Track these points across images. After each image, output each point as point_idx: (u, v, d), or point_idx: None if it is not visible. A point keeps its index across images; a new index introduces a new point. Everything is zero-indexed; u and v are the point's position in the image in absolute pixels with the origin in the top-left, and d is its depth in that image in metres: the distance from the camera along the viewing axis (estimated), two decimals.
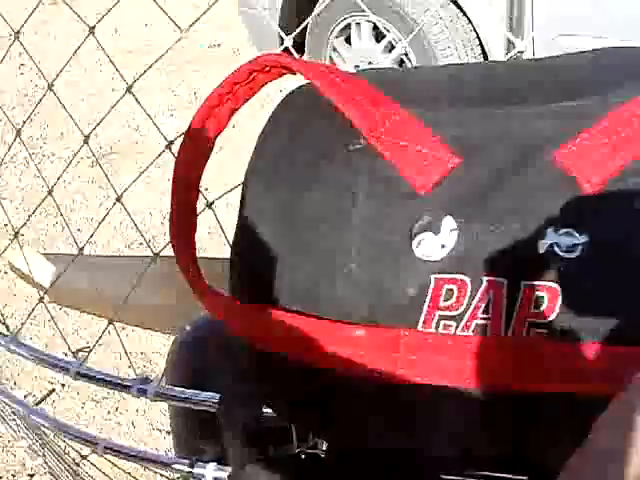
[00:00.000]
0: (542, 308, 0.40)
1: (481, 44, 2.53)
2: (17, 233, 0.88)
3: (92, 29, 0.76)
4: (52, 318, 1.03)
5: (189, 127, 0.52)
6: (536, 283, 0.40)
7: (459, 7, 2.52)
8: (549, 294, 0.40)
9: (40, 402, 1.96)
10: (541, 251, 0.40)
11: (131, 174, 2.86)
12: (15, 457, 1.86)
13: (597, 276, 0.39)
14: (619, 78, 0.43)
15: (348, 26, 2.82)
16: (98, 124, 0.78)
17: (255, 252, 0.46)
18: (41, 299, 0.93)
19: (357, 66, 2.82)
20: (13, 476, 1.82)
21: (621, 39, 2.24)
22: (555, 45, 2.34)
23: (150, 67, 0.82)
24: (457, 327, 0.41)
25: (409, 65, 2.65)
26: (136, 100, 0.80)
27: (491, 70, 0.48)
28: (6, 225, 2.65)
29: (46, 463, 1.18)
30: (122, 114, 3.23)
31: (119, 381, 0.70)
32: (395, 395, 0.43)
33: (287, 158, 0.47)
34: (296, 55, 0.80)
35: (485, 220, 0.41)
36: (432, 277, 0.41)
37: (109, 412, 1.96)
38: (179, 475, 0.70)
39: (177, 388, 0.64)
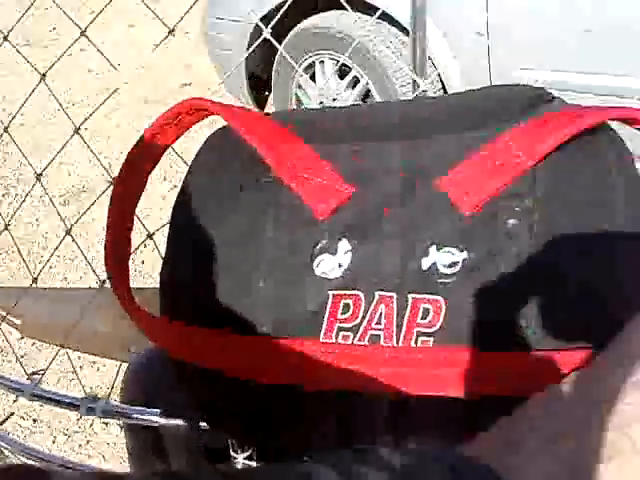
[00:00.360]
0: (428, 319, 0.45)
1: (441, 79, 2.61)
2: None
3: (43, 75, 0.81)
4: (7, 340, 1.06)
5: (124, 163, 0.57)
6: (421, 296, 0.45)
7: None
8: (433, 306, 0.45)
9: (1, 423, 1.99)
10: (424, 268, 0.45)
11: (102, 212, 2.90)
12: None
13: (474, 289, 0.45)
14: (499, 113, 0.49)
15: (312, 64, 2.90)
16: (49, 163, 0.83)
17: (179, 274, 0.52)
18: None
19: (321, 102, 2.89)
20: None
21: (577, 71, 2.33)
22: (513, 80, 2.42)
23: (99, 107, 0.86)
24: (354, 337, 0.46)
25: (375, 100, 2.72)
26: (85, 146, 0.85)
27: (390, 108, 0.54)
28: None
29: None
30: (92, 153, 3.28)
31: (69, 400, 0.74)
32: (302, 402, 0.48)
33: (208, 191, 0.53)
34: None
35: (375, 241, 0.47)
36: (330, 293, 0.47)
37: (80, 445, 1.98)
38: None
39: (123, 405, 0.69)
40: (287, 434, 0.52)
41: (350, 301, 0.46)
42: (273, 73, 3.04)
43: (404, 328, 0.46)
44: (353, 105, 0.55)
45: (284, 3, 2.66)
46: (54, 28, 5.05)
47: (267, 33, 1.06)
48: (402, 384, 0.45)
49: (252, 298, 0.48)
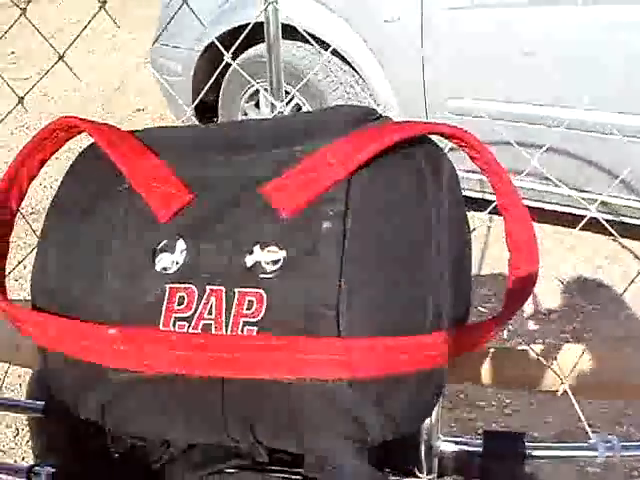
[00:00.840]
0: (252, 310, 0.51)
1: (378, 106, 2.70)
2: None
3: (21, 99, 0.87)
4: None
5: (4, 176, 0.63)
6: (246, 290, 0.52)
7: (358, 73, 2.70)
8: (256, 298, 0.51)
9: None
10: (249, 264, 0.52)
11: None
12: None
13: (290, 283, 0.51)
14: (325, 129, 0.56)
15: (257, 91, 2.98)
16: None
17: (42, 272, 0.58)
18: None
19: None
20: None
21: (505, 100, 2.43)
22: (444, 107, 2.52)
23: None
24: (189, 326, 0.52)
25: None
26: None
27: (241, 125, 0.61)
28: None
29: None
30: (46, 175, 3.33)
31: None
32: (147, 384, 0.54)
33: (73, 198, 0.59)
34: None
35: (207, 242, 0.53)
36: (167, 286, 0.53)
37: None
38: None
39: (6, 396, 0.74)
40: (140, 422, 0.58)
41: (185, 294, 0.53)
42: (220, 99, 3.11)
43: (232, 318, 0.51)
44: (208, 125, 0.62)
45: (230, 32, 2.75)
46: (12, 52, 5.10)
47: (228, 57, 1.12)
48: (230, 369, 0.51)
49: (101, 292, 0.54)
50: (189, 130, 0.61)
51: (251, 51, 2.87)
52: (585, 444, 0.64)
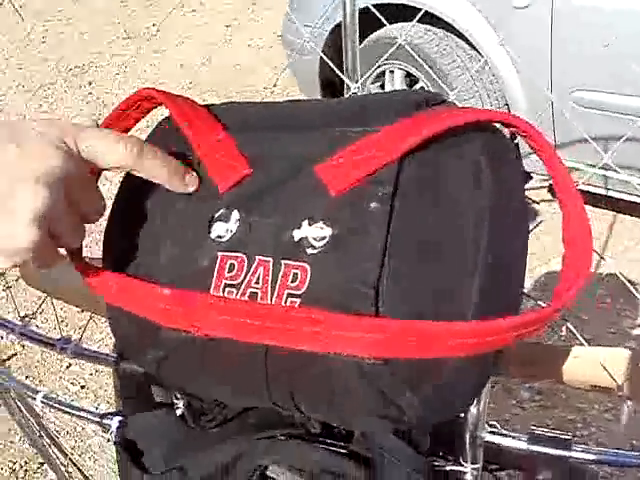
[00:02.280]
0: (296, 282, 0.53)
1: (504, 95, 2.66)
2: None
3: None
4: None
5: None
6: (292, 263, 0.53)
7: (485, 60, 2.66)
8: (301, 272, 0.53)
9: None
10: (296, 239, 0.54)
11: None
12: (30, 446, 2.03)
13: (335, 259, 0.53)
14: (383, 113, 0.57)
15: (383, 73, 2.98)
16: None
17: (111, 233, 0.62)
18: None
19: None
20: (26, 463, 2.00)
21: (636, 94, 2.34)
22: (570, 98, 2.45)
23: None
24: (237, 293, 0.55)
25: None
26: None
27: (303, 105, 0.63)
28: None
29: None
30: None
31: (47, 340, 0.85)
32: (196, 346, 0.57)
33: None
34: None
35: (259, 214, 0.55)
36: (219, 254, 0.55)
37: None
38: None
39: (90, 347, 0.80)
40: (191, 381, 0.61)
41: (235, 262, 0.55)
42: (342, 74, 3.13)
43: (277, 289, 0.54)
44: (278, 102, 0.64)
45: (361, 11, 2.76)
46: (154, 24, 5.29)
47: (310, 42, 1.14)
48: (272, 337, 0.53)
49: (160, 255, 0.58)
50: (257, 107, 0.63)
51: (383, 31, 2.86)
52: (629, 453, 0.63)
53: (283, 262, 0.54)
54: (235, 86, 4.25)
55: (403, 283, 0.51)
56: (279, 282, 0.54)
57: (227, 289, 0.55)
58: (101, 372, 2.27)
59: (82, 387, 2.21)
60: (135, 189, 0.62)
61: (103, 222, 0.63)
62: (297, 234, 0.54)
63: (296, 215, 0.54)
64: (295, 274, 0.53)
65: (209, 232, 0.57)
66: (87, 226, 0.58)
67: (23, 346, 2.33)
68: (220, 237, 0.56)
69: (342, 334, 0.51)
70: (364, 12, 1.56)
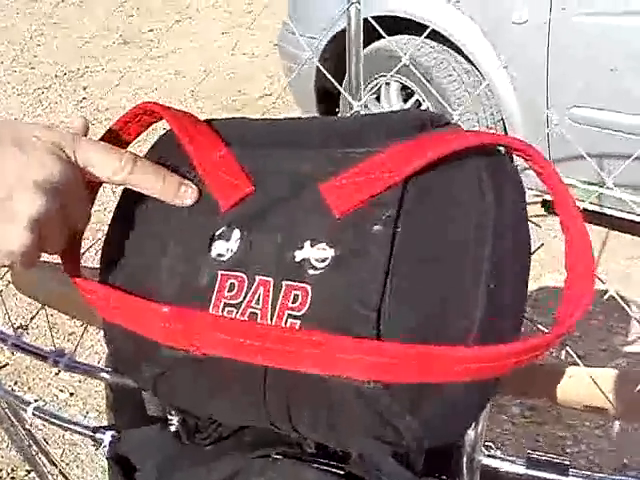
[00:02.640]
0: (297, 303, 0.53)
1: (499, 109, 2.66)
2: None
3: None
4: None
5: None
6: (293, 283, 0.53)
7: (481, 74, 2.67)
8: (302, 293, 0.53)
9: None
10: (298, 259, 0.53)
11: None
12: (17, 453, 2.02)
13: (336, 281, 0.52)
14: (387, 133, 0.56)
15: (380, 85, 2.99)
16: None
17: (110, 247, 0.61)
18: None
19: None
20: (13, 470, 1.99)
21: (633, 112, 2.34)
22: (567, 115, 2.46)
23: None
24: (237, 313, 0.54)
25: None
26: None
27: (307, 122, 0.62)
28: None
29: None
30: None
31: (41, 352, 0.84)
32: (194, 364, 0.56)
33: None
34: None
35: (261, 234, 0.55)
36: (219, 273, 0.55)
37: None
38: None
39: (83, 361, 0.79)
40: (188, 398, 0.60)
41: (235, 281, 0.55)
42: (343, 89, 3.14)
43: (277, 309, 0.53)
44: (279, 119, 0.64)
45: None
46: (150, 30, 5.29)
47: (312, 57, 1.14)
48: (270, 358, 0.53)
49: (160, 272, 0.57)
50: (258, 123, 0.63)
51: (381, 42, 2.87)
52: (625, 477, 0.63)
53: (284, 283, 0.53)
54: (230, 94, 4.25)
55: (405, 304, 0.51)
56: (279, 302, 0.53)
57: (227, 308, 0.55)
58: (90, 380, 2.26)
59: (71, 394, 2.20)
60: (136, 202, 0.61)
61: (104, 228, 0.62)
62: (299, 254, 0.53)
63: (298, 235, 0.54)
64: (296, 295, 0.53)
65: (209, 250, 0.56)
66: (86, 236, 0.58)
67: (13, 353, 2.32)
68: (220, 256, 0.56)
69: (342, 357, 0.50)
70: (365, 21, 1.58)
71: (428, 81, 2.73)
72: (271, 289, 0.54)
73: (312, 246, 0.53)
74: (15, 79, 4.77)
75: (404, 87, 2.94)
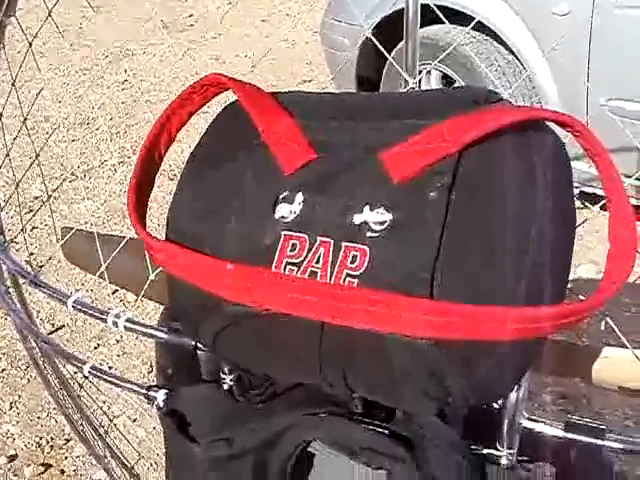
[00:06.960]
0: (355, 263, 0.56)
1: (540, 100, 2.67)
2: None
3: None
4: None
5: (155, 123, 0.70)
6: (352, 245, 0.56)
7: (522, 64, 2.67)
8: (361, 254, 0.56)
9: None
10: (357, 222, 0.56)
11: None
12: (57, 422, 2.08)
13: (393, 243, 0.55)
14: (446, 107, 0.59)
15: (419, 71, 2.99)
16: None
17: (177, 211, 0.65)
18: None
19: None
20: (52, 439, 2.05)
21: None
22: (605, 106, 2.46)
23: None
24: (298, 271, 0.57)
25: None
26: None
27: (371, 96, 0.65)
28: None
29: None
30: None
31: (100, 314, 0.88)
32: (254, 319, 0.59)
33: (211, 148, 0.66)
34: None
35: (323, 197, 0.58)
36: (282, 233, 0.58)
37: None
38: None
39: (141, 321, 0.82)
40: (246, 354, 0.64)
41: (297, 242, 0.58)
42: (383, 77, 3.16)
43: (336, 269, 0.56)
44: (339, 93, 0.67)
45: (396, 12, 2.78)
46: (191, 15, 5.33)
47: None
48: (329, 314, 0.56)
49: (226, 232, 0.61)
50: (323, 96, 0.66)
51: (422, 31, 2.87)
52: None
53: (343, 244, 0.56)
54: (271, 80, 4.28)
55: (457, 269, 0.54)
56: (339, 262, 0.56)
57: (288, 267, 0.58)
58: (129, 354, 2.31)
59: (109, 368, 2.25)
60: (201, 168, 0.65)
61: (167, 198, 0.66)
62: (358, 218, 0.56)
63: (358, 200, 0.57)
64: (354, 255, 0.56)
65: (274, 212, 0.59)
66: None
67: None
68: (284, 217, 0.59)
69: (399, 314, 0.53)
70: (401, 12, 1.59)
71: (469, 70, 2.74)
72: (331, 249, 0.57)
73: (371, 210, 0.56)
74: (57, 60, 4.84)
75: (444, 75, 2.95)
